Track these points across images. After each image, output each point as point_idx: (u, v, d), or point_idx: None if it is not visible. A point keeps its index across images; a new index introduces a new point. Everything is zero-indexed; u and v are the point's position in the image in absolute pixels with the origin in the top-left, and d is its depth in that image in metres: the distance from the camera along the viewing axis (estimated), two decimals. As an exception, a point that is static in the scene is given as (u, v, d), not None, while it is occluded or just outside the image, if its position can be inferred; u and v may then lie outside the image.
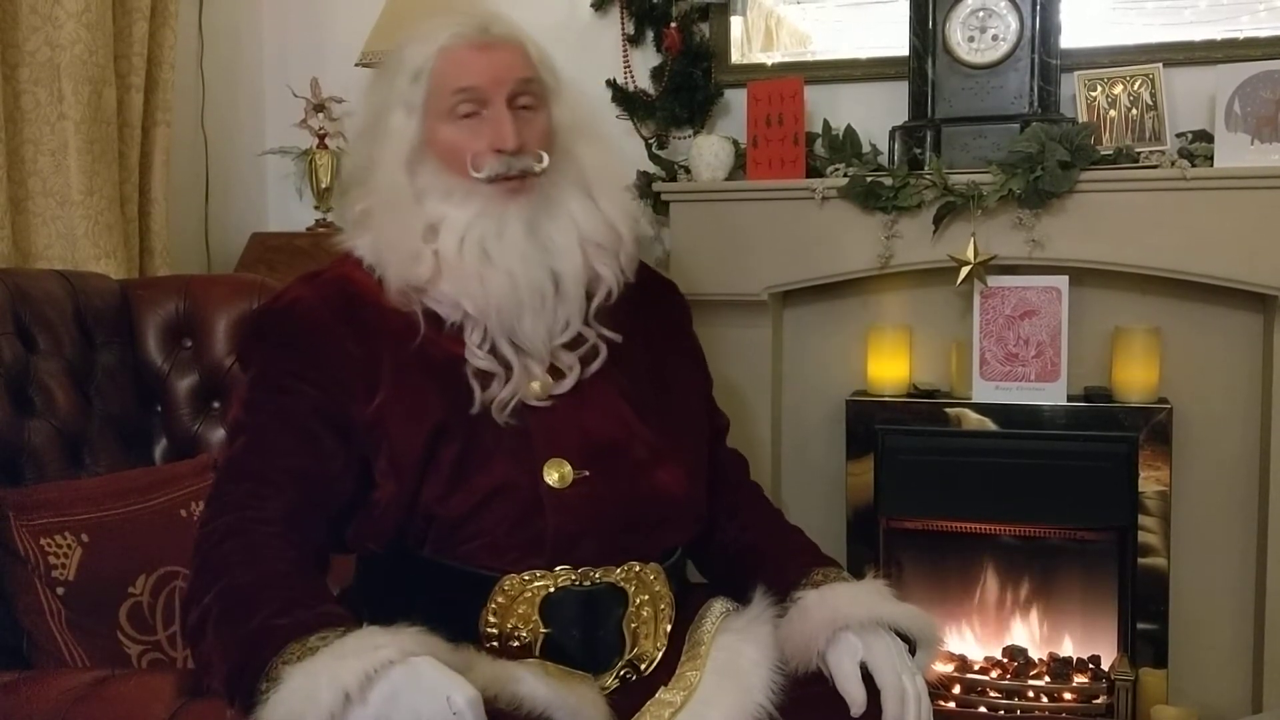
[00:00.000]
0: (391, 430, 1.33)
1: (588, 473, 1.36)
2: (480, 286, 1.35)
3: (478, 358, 1.36)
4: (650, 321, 1.51)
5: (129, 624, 1.60)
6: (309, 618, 1.15)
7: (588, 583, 1.35)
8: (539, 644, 1.34)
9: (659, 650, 1.40)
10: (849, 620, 1.33)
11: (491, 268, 1.36)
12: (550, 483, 1.35)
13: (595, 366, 1.41)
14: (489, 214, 1.37)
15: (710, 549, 1.55)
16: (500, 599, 1.33)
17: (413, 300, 1.38)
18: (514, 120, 1.38)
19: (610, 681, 1.36)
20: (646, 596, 1.39)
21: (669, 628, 1.42)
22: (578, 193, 1.44)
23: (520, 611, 1.34)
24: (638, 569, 1.38)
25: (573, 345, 1.41)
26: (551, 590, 1.34)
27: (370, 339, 1.37)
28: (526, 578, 1.34)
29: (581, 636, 1.35)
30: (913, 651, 1.37)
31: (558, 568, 1.34)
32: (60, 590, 1.55)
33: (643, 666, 1.39)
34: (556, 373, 1.39)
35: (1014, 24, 2.40)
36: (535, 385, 1.37)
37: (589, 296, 1.42)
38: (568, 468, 1.35)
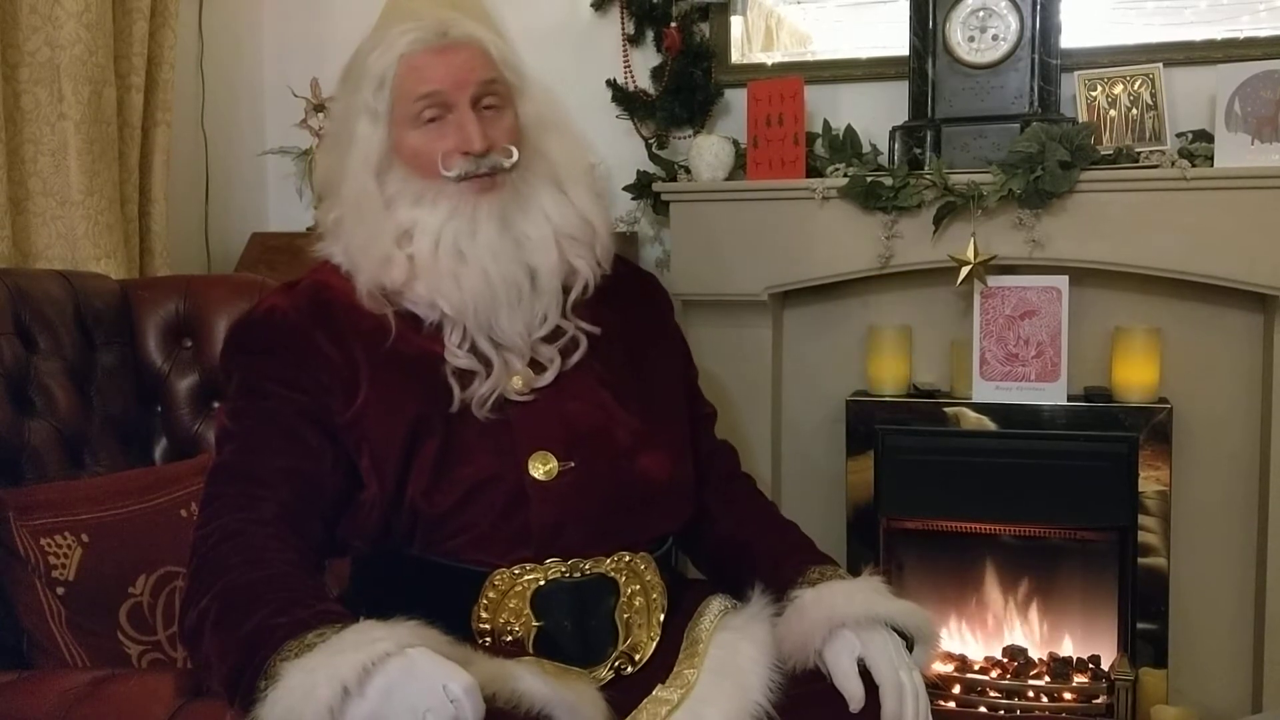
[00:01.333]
0: (371, 429, 1.34)
1: (573, 464, 1.36)
2: (455, 286, 1.36)
3: (457, 357, 1.37)
4: (629, 312, 1.52)
5: (129, 624, 1.60)
6: (307, 616, 1.15)
7: (578, 574, 1.35)
8: (532, 637, 1.34)
9: (653, 640, 1.41)
10: (846, 617, 1.33)
11: (466, 267, 1.37)
12: (536, 475, 1.35)
13: (576, 358, 1.42)
14: (461, 213, 1.38)
15: (704, 544, 1.56)
16: (491, 594, 1.34)
17: (384, 303, 1.38)
18: (479, 121, 1.38)
19: (605, 673, 1.36)
20: (638, 586, 1.39)
21: (661, 617, 1.42)
22: (549, 187, 1.44)
23: (512, 606, 1.34)
24: (628, 559, 1.39)
25: (552, 338, 1.41)
26: (542, 583, 1.34)
27: (346, 342, 1.38)
28: (516, 571, 1.34)
29: (574, 628, 1.35)
30: (910, 648, 1.38)
31: (547, 560, 1.35)
32: (60, 590, 1.55)
33: (637, 657, 1.39)
34: (537, 366, 1.40)
35: (1014, 24, 2.40)
36: (516, 380, 1.38)
37: (566, 290, 1.43)
38: (553, 460, 1.36)
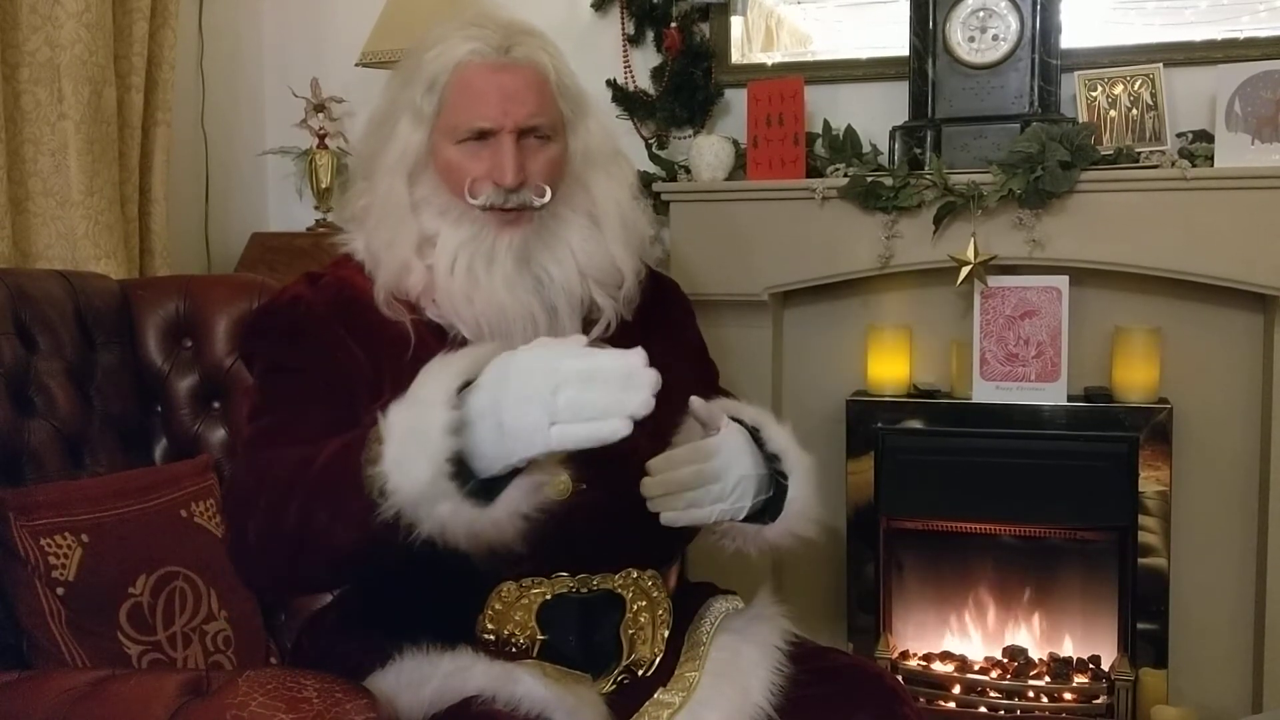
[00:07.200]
0: None
1: (585, 486, 1.35)
2: (470, 308, 1.35)
3: None
4: (650, 323, 1.50)
5: (129, 624, 1.60)
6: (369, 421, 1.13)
7: (585, 590, 1.35)
8: (536, 649, 1.33)
9: (656, 655, 1.40)
10: (740, 413, 1.35)
11: (479, 290, 1.35)
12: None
13: None
14: (481, 239, 1.36)
15: None
16: (497, 605, 1.33)
17: (402, 311, 1.36)
18: (519, 153, 1.35)
19: (607, 687, 1.35)
20: (644, 603, 1.39)
21: (666, 634, 1.41)
22: (584, 223, 1.41)
23: (517, 618, 1.33)
24: (635, 575, 1.38)
25: None
26: (549, 597, 1.34)
27: (371, 344, 1.36)
28: (525, 584, 1.33)
29: (578, 642, 1.34)
30: (775, 512, 1.35)
31: (555, 574, 1.34)
32: (60, 590, 1.55)
33: (640, 672, 1.38)
34: None
35: (1014, 24, 2.40)
36: None
37: (588, 322, 1.40)
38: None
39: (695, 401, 1.31)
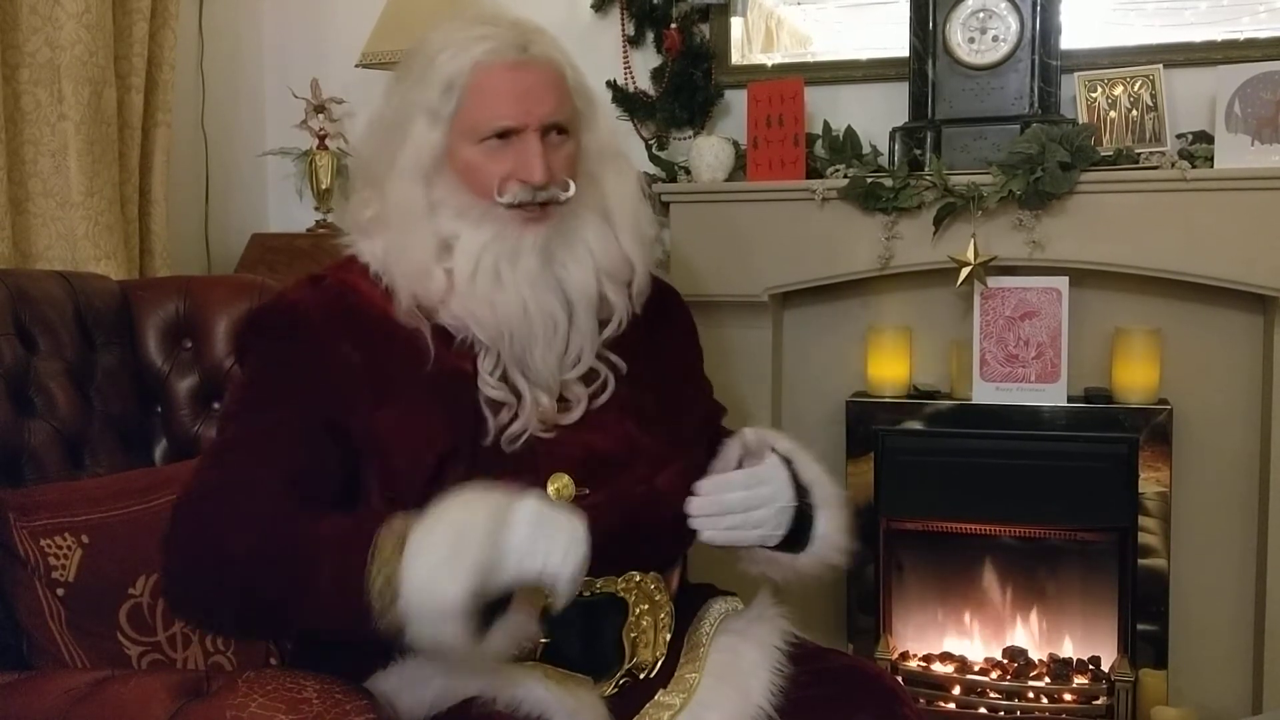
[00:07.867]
0: (396, 451, 1.32)
1: (588, 490, 1.35)
2: (490, 311, 1.33)
3: (490, 386, 1.34)
4: (655, 333, 1.50)
5: (129, 625, 1.60)
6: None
7: (588, 593, 1.34)
8: (538, 653, 1.33)
9: (658, 658, 1.40)
10: (775, 443, 1.39)
11: (503, 293, 1.33)
12: (552, 496, 1.34)
13: (602, 399, 1.40)
14: (505, 238, 1.35)
15: None
16: None
17: (421, 319, 1.35)
18: (543, 151, 1.34)
19: (609, 690, 1.35)
20: (646, 606, 1.39)
21: (668, 637, 1.41)
22: (597, 219, 1.41)
23: None
24: (638, 579, 1.38)
25: (582, 377, 1.39)
26: (550, 600, 1.33)
27: (373, 348, 1.35)
28: None
29: (581, 646, 1.34)
30: (804, 541, 1.39)
31: None
32: (60, 591, 1.55)
33: (641, 676, 1.38)
34: (563, 401, 1.38)
35: (1014, 25, 2.40)
36: (544, 416, 1.36)
37: (602, 323, 1.40)
38: (567, 481, 1.35)
39: (747, 431, 1.38)
